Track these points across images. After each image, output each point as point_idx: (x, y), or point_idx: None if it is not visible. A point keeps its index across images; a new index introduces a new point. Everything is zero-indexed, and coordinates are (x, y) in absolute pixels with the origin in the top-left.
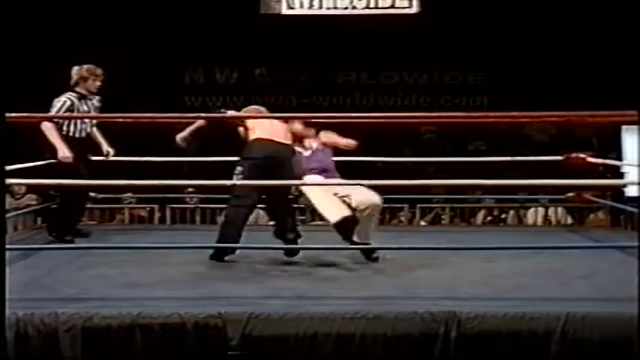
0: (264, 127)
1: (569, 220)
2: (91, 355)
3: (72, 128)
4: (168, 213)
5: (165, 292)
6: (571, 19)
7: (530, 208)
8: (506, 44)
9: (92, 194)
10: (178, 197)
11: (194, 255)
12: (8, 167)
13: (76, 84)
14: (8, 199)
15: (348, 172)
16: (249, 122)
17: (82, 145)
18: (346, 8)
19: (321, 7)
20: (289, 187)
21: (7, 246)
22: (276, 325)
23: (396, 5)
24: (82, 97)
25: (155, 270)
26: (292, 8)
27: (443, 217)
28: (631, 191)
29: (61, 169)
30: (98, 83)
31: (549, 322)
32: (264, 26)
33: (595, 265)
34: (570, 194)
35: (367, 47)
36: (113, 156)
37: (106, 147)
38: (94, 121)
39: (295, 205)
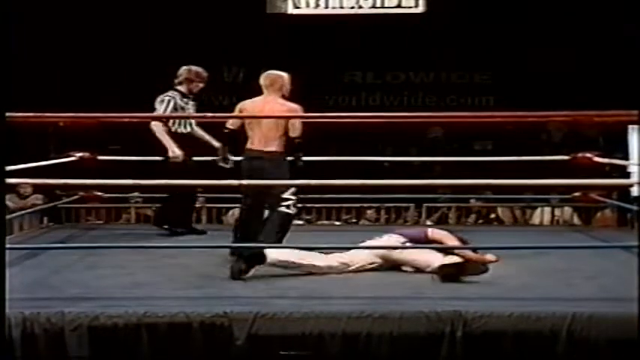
0: (254, 132)
1: (576, 220)
2: (97, 355)
3: (177, 125)
4: None
5: (172, 291)
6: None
7: (537, 207)
8: (512, 44)
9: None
10: None
11: (200, 254)
12: (12, 167)
13: (180, 83)
14: (14, 199)
15: (356, 171)
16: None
17: (187, 142)
18: (352, 8)
19: (327, 7)
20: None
21: (9, 245)
22: (282, 325)
23: (403, 5)
24: (184, 96)
25: (161, 269)
26: (298, 8)
27: (449, 216)
28: (637, 191)
29: (171, 168)
30: (201, 85)
31: (555, 322)
32: (270, 25)
33: (601, 265)
34: (577, 194)
35: (373, 47)
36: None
37: (215, 143)
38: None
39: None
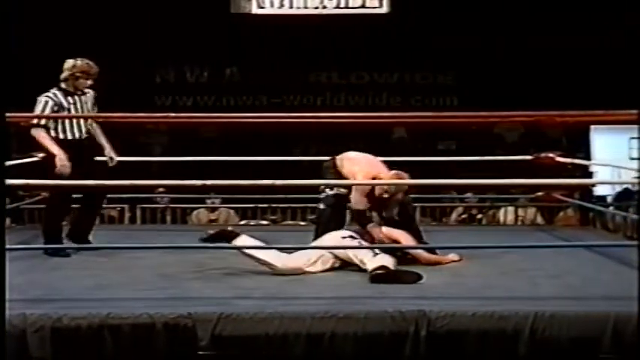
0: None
1: (540, 220)
2: (60, 356)
3: (60, 128)
4: (138, 213)
5: (135, 292)
6: (543, 20)
7: (500, 207)
8: (476, 44)
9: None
10: (149, 197)
11: (164, 255)
12: None
13: (65, 79)
14: None
15: (316, 172)
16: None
17: (78, 150)
18: (316, 8)
19: (291, 7)
20: None
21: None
22: (246, 325)
23: (367, 5)
24: (68, 94)
25: (125, 270)
26: (262, 8)
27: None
28: (599, 190)
29: (55, 176)
30: (89, 82)
31: (518, 321)
32: (234, 26)
33: (564, 264)
34: (540, 193)
35: (338, 47)
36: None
37: (108, 151)
38: (92, 120)
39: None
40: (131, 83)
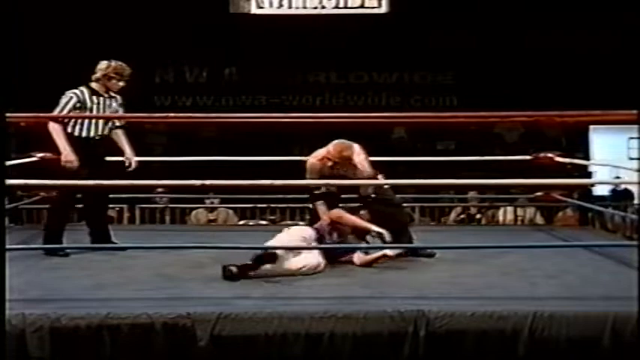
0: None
1: (540, 220)
2: (59, 356)
3: (78, 127)
4: (137, 213)
5: (134, 292)
6: (542, 20)
7: (499, 207)
8: (475, 44)
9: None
10: (148, 197)
11: (163, 255)
12: None
13: (97, 80)
14: None
15: None
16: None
17: (92, 149)
18: (315, 8)
19: (290, 7)
20: None
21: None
22: (245, 325)
23: (366, 5)
24: (95, 94)
25: (124, 270)
26: (262, 8)
27: (413, 216)
28: (599, 190)
29: (60, 173)
30: (122, 84)
31: (517, 321)
32: (233, 26)
33: (563, 264)
34: (539, 193)
35: (337, 47)
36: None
37: (129, 153)
38: (117, 122)
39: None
40: (131, 83)
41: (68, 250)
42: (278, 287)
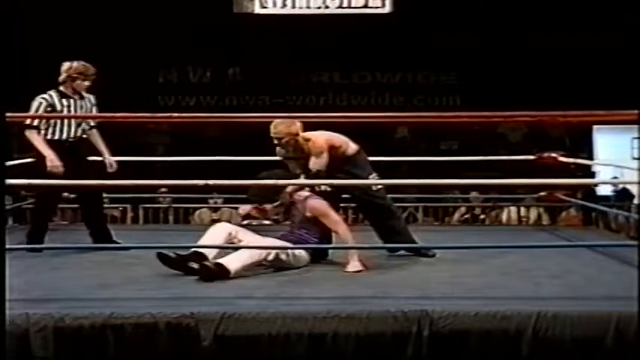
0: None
1: (543, 219)
2: (62, 356)
3: (51, 130)
4: (141, 213)
5: (138, 292)
6: (546, 20)
7: (503, 207)
8: (478, 44)
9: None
10: (151, 197)
11: None
12: None
13: (63, 82)
14: None
15: None
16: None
17: (70, 150)
18: (319, 8)
19: (294, 7)
20: None
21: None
22: (249, 325)
23: (369, 5)
24: (64, 96)
25: (127, 270)
26: (265, 7)
27: (417, 216)
28: (602, 190)
29: (45, 176)
30: (87, 84)
31: (521, 321)
32: (237, 26)
33: (566, 264)
34: (542, 193)
35: (340, 47)
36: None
37: (107, 157)
38: (91, 122)
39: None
40: (134, 83)
41: (69, 250)
42: (281, 287)
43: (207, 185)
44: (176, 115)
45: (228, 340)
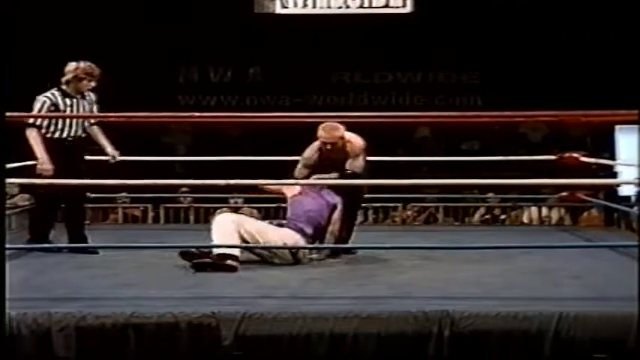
0: None
1: (565, 220)
2: (84, 355)
3: (52, 128)
4: (162, 212)
5: (159, 291)
6: (567, 19)
7: (524, 207)
8: (500, 44)
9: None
10: (172, 197)
11: None
12: None
13: (67, 82)
14: None
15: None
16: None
17: (69, 149)
18: (340, 7)
19: (314, 7)
20: None
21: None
22: (269, 325)
23: (390, 5)
24: (67, 96)
25: (149, 270)
26: (286, 7)
27: (437, 216)
28: (624, 190)
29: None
30: (93, 84)
31: (542, 322)
32: (258, 25)
33: (588, 264)
34: (564, 193)
35: (361, 47)
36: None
37: (110, 150)
38: (92, 120)
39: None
40: (155, 83)
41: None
42: (302, 287)
43: (228, 185)
44: (197, 114)
45: (249, 340)
